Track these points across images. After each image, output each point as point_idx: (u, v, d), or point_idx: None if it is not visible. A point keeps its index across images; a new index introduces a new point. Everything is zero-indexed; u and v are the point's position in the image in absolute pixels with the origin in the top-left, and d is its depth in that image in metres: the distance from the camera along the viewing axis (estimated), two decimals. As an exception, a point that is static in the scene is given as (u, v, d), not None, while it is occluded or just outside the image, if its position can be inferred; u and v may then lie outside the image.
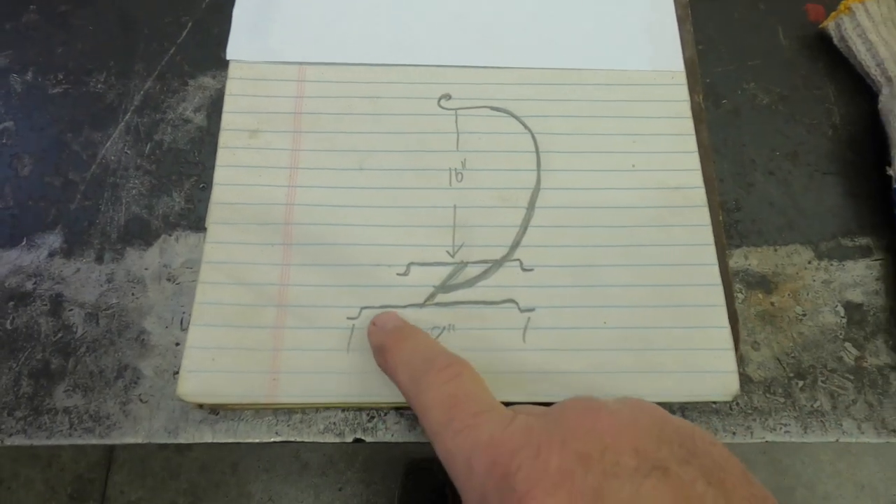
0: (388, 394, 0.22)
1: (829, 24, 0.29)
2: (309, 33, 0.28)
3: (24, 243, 0.25)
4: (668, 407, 0.23)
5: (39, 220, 0.26)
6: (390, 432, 0.23)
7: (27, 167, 0.27)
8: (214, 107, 0.28)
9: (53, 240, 0.25)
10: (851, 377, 0.24)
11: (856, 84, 0.29)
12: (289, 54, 0.27)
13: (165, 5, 0.30)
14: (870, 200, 0.27)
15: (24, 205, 0.26)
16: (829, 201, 0.27)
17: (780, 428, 0.23)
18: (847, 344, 0.24)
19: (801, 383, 0.24)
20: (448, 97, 0.27)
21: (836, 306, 0.25)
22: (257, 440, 0.23)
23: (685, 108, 0.27)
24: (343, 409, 0.23)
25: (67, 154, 0.27)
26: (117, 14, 0.30)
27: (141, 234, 0.26)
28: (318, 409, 0.23)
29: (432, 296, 0.24)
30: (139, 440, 0.23)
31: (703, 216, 0.25)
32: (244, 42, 0.28)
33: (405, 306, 0.23)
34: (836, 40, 0.29)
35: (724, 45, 0.29)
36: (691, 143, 0.26)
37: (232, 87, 0.27)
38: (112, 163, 0.27)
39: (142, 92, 0.28)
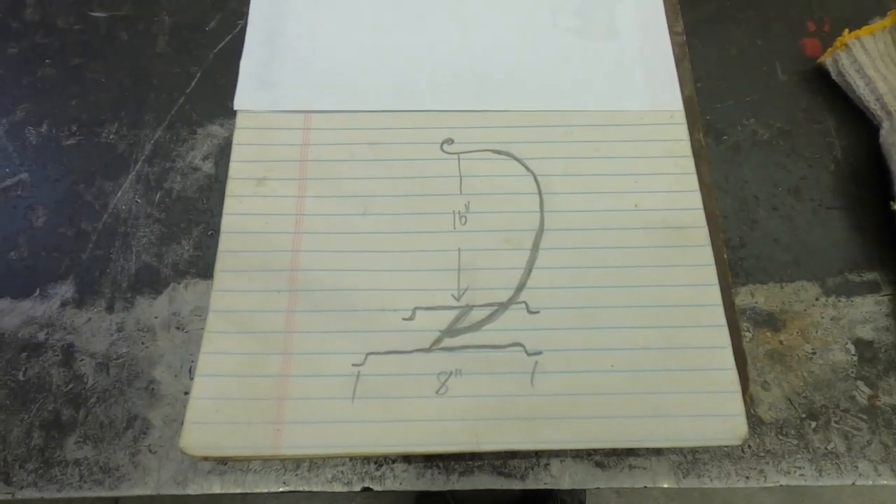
0: (394, 443, 0.22)
1: (827, 60, 0.29)
2: (314, 82, 0.28)
3: (37, 294, 0.26)
4: (679, 451, 0.23)
5: (52, 271, 0.26)
6: (398, 480, 0.23)
7: (41, 218, 0.27)
8: (222, 154, 0.28)
9: (66, 290, 0.26)
10: (865, 417, 0.24)
11: (856, 117, 0.29)
12: (295, 103, 0.28)
13: (175, 57, 0.31)
14: (875, 234, 0.27)
15: (38, 255, 0.27)
16: (834, 236, 0.27)
17: (795, 471, 0.23)
18: (859, 382, 0.24)
19: (813, 424, 0.23)
20: (450, 141, 0.27)
21: (846, 343, 0.25)
22: (265, 490, 0.23)
23: (685, 147, 0.27)
24: (350, 458, 0.23)
25: (80, 204, 0.28)
26: (129, 66, 0.31)
27: (151, 282, 0.26)
28: (325, 458, 0.23)
29: (438, 340, 0.24)
30: (148, 492, 0.23)
31: (707, 256, 0.25)
32: (251, 92, 0.28)
33: (411, 351, 0.23)
34: (833, 75, 0.29)
35: (722, 81, 0.30)
36: (693, 182, 0.26)
37: (240, 136, 0.27)
38: (123, 212, 0.27)
39: (152, 141, 0.29)
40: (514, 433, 0.22)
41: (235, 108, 0.28)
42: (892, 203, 0.26)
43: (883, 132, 0.27)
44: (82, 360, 0.25)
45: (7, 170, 0.28)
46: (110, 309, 0.26)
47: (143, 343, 0.25)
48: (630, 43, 0.29)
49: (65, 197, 0.28)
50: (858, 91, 0.28)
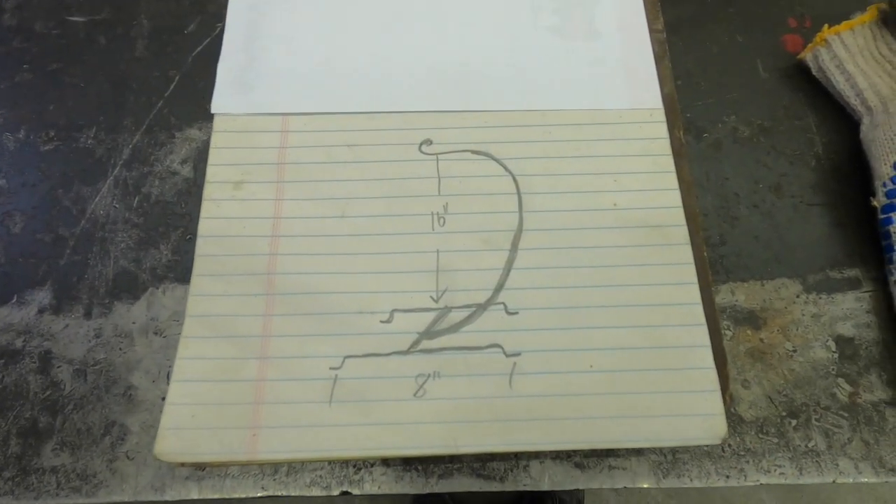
0: (371, 447, 0.22)
1: (807, 56, 0.29)
2: (291, 85, 0.28)
3: (14, 300, 0.26)
4: (659, 451, 0.23)
5: (30, 277, 0.26)
6: (377, 484, 0.23)
7: (18, 224, 0.27)
8: (201, 158, 0.28)
9: (43, 296, 0.26)
10: (846, 414, 0.23)
11: (837, 113, 0.29)
12: (272, 106, 0.28)
13: (153, 60, 0.30)
14: (857, 231, 0.26)
15: (16, 262, 0.26)
16: (815, 233, 0.27)
17: (775, 470, 0.23)
18: (840, 380, 0.24)
19: (794, 422, 0.23)
20: (429, 142, 0.27)
21: (827, 341, 0.25)
22: (243, 495, 0.23)
23: (665, 146, 0.27)
24: (329, 462, 0.23)
25: (58, 210, 0.27)
26: (108, 70, 0.30)
27: (129, 287, 0.26)
28: (303, 462, 0.23)
29: (416, 342, 0.24)
30: (126, 498, 0.23)
31: (686, 254, 0.25)
32: (228, 95, 0.28)
33: (389, 354, 0.23)
34: (814, 71, 0.29)
35: (702, 78, 0.30)
36: (672, 181, 0.26)
37: (217, 139, 0.27)
38: (101, 217, 0.27)
39: (130, 146, 0.29)
40: (493, 435, 0.22)
41: (213, 111, 0.28)
42: (872, 199, 0.25)
43: (863, 128, 0.27)
44: (60, 366, 0.25)
45: (-16, 176, 0.28)
46: (88, 315, 0.25)
47: (120, 349, 0.25)
48: (610, 41, 0.29)
49: (42, 203, 0.28)
50: (839, 87, 0.28)
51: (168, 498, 0.23)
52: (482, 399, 0.23)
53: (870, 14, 0.28)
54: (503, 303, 0.24)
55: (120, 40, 0.31)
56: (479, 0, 0.31)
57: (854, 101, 0.27)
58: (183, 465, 0.22)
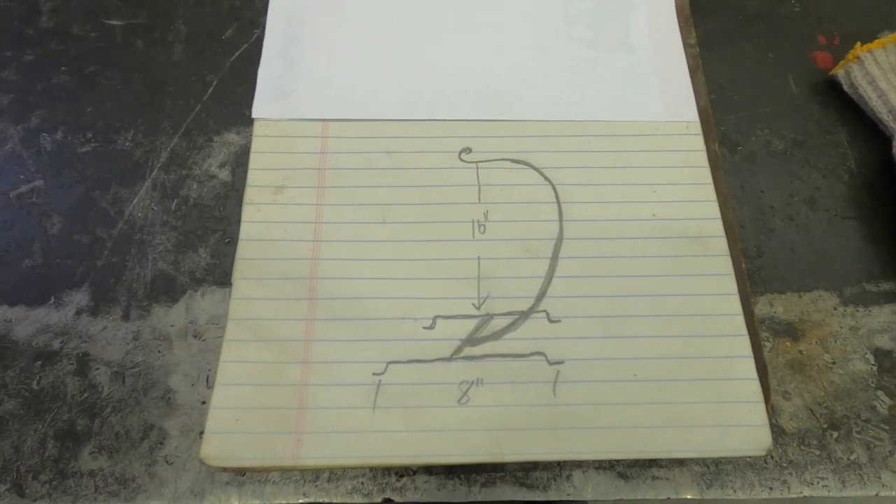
0: (416, 453, 0.22)
1: (839, 73, 0.29)
2: (332, 91, 0.28)
3: (51, 301, 0.26)
4: (702, 462, 0.23)
5: (67, 278, 0.26)
6: (419, 492, 0.23)
7: (56, 225, 0.27)
8: (238, 162, 0.28)
9: (80, 297, 0.26)
10: (886, 427, 0.24)
11: (869, 128, 0.29)
12: (312, 111, 0.28)
13: (191, 65, 0.31)
14: (890, 244, 0.27)
15: (53, 263, 0.26)
16: (850, 246, 0.27)
17: (818, 482, 0.23)
18: (879, 392, 0.24)
19: (835, 434, 0.23)
20: (468, 150, 0.27)
21: (866, 353, 0.25)
22: (284, 502, 0.22)
23: (702, 158, 0.27)
24: (371, 469, 0.23)
25: (95, 211, 0.27)
26: (145, 74, 0.31)
27: (167, 290, 0.26)
28: (344, 469, 0.23)
29: (459, 349, 0.24)
30: (165, 503, 0.22)
31: (726, 265, 0.25)
32: (269, 101, 0.28)
33: (432, 360, 0.23)
34: (846, 87, 0.29)
35: (736, 93, 0.30)
36: (710, 192, 0.26)
37: (257, 144, 0.27)
38: (139, 219, 0.27)
39: (168, 149, 0.29)
40: (538, 443, 0.22)
41: (253, 115, 0.28)
42: (907, 213, 0.26)
43: (895, 144, 0.27)
44: (97, 368, 0.24)
45: (21, 176, 0.28)
46: (126, 317, 0.25)
47: (159, 352, 0.25)
48: (644, 54, 0.30)
49: (80, 204, 0.28)
50: (871, 103, 0.28)
51: None
52: (526, 407, 0.23)
53: (901, 33, 0.28)
54: (545, 311, 0.24)
55: (157, 45, 0.31)
56: (514, 11, 0.31)
57: (886, 118, 0.28)
58: (225, 469, 0.22)
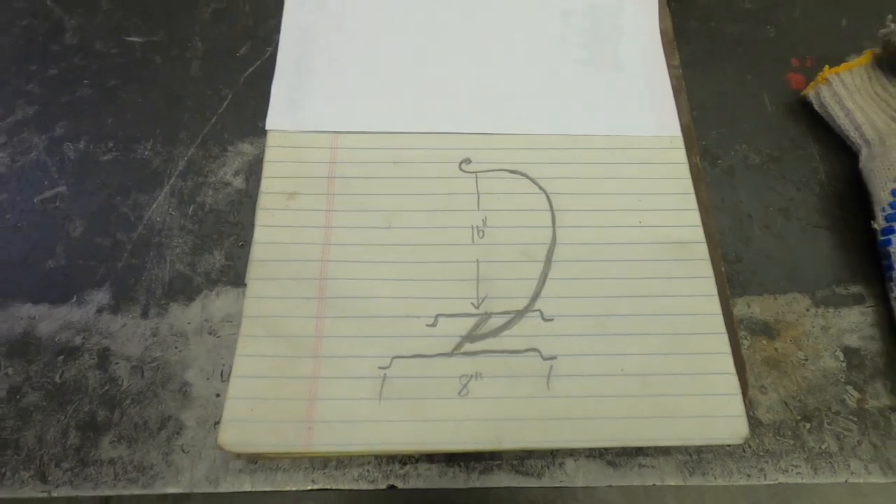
0: (419, 441, 0.23)
1: (810, 93, 0.32)
2: (341, 105, 0.31)
3: (74, 300, 0.27)
4: (685, 451, 0.25)
5: (89, 278, 0.27)
6: (422, 479, 0.24)
7: (78, 229, 0.29)
8: (252, 170, 0.30)
9: (102, 296, 0.27)
10: (855, 419, 0.25)
11: (838, 144, 0.31)
12: (323, 124, 0.30)
13: (207, 80, 0.33)
14: (859, 251, 0.29)
15: (75, 264, 0.28)
16: (822, 253, 0.29)
17: (792, 469, 0.24)
18: (848, 387, 0.26)
19: (808, 425, 0.25)
20: (468, 161, 0.29)
21: (836, 351, 0.27)
22: (294, 488, 0.24)
23: (685, 170, 0.29)
24: (376, 457, 0.24)
25: (116, 216, 0.29)
26: (163, 88, 0.32)
27: (184, 290, 0.27)
28: (351, 457, 0.24)
29: (459, 345, 0.25)
30: (181, 490, 0.24)
31: (707, 268, 0.27)
32: (282, 113, 0.30)
33: (434, 355, 0.25)
34: (816, 106, 0.32)
35: (715, 111, 0.32)
36: (692, 202, 0.28)
37: (271, 154, 0.29)
38: (157, 224, 0.29)
39: (185, 158, 0.31)
40: (533, 433, 0.23)
41: (267, 128, 0.30)
42: (872, 222, 0.28)
43: (862, 158, 0.30)
44: (117, 363, 0.26)
45: (46, 182, 0.30)
46: (145, 315, 0.27)
47: (176, 347, 0.26)
48: (632, 74, 0.32)
49: (101, 209, 0.29)
50: (839, 121, 0.31)
51: (222, 490, 0.24)
52: (522, 399, 0.24)
53: (866, 57, 0.31)
54: (539, 310, 0.26)
55: (175, 61, 0.33)
56: (514, 32, 0.33)
57: (853, 135, 0.30)
58: (240, 456, 0.24)
